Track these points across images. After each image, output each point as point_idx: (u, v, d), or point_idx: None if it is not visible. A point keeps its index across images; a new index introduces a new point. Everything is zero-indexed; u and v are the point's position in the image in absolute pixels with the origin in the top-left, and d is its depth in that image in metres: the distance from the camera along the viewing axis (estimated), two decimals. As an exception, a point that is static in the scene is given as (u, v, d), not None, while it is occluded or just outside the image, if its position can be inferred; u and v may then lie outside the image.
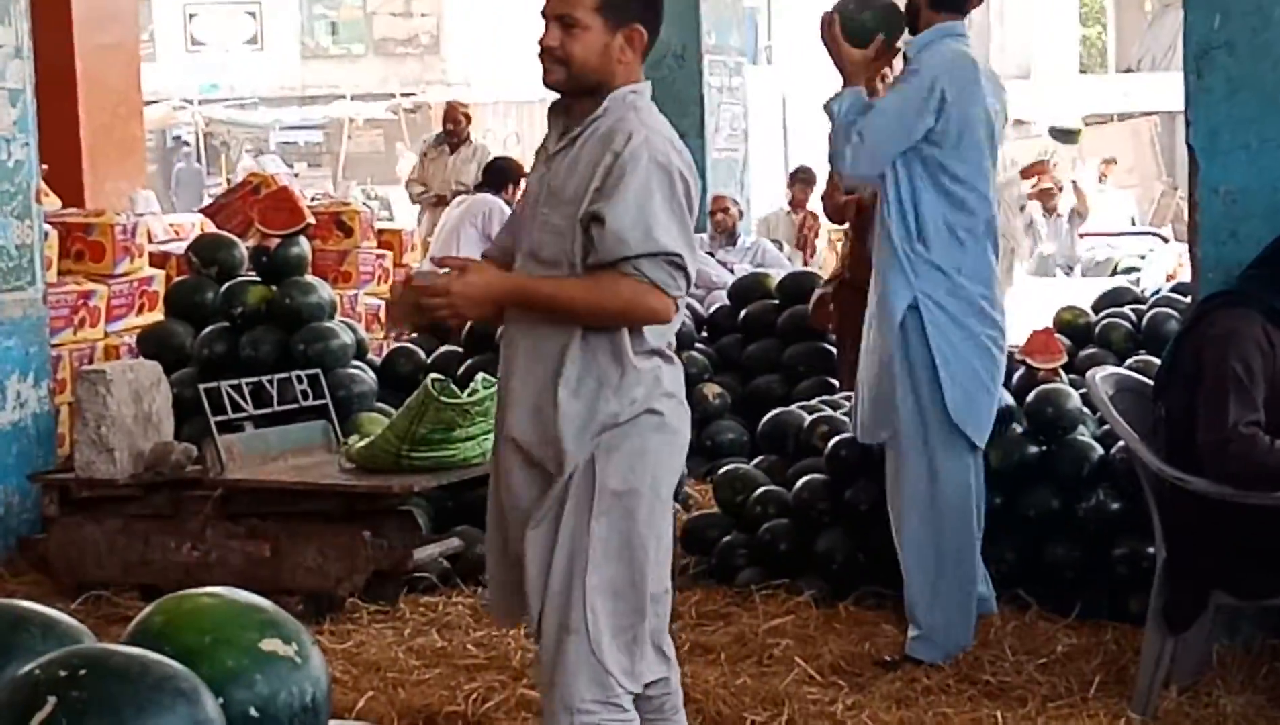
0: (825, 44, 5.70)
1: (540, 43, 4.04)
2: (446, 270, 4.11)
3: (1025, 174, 17.10)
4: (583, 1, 3.97)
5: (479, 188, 12.26)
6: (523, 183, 4.32)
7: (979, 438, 5.68)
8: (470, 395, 6.55)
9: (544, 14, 4.05)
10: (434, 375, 6.98)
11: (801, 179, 15.09)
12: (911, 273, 5.56)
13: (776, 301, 8.76)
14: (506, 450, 4.10)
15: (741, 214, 12.14)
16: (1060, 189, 19.35)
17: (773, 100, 28.10)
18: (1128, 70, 35.61)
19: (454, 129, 15.04)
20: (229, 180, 23.25)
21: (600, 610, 3.90)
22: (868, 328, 5.83)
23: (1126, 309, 7.71)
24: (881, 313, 5.69)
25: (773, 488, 6.69)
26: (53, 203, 8.93)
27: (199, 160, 33.07)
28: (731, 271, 10.55)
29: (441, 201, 14.01)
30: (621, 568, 3.94)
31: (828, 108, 5.65)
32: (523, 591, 4.03)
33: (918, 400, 5.61)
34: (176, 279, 8.63)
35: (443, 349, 8.17)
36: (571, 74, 4.00)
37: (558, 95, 4.14)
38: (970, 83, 5.71)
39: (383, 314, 8.20)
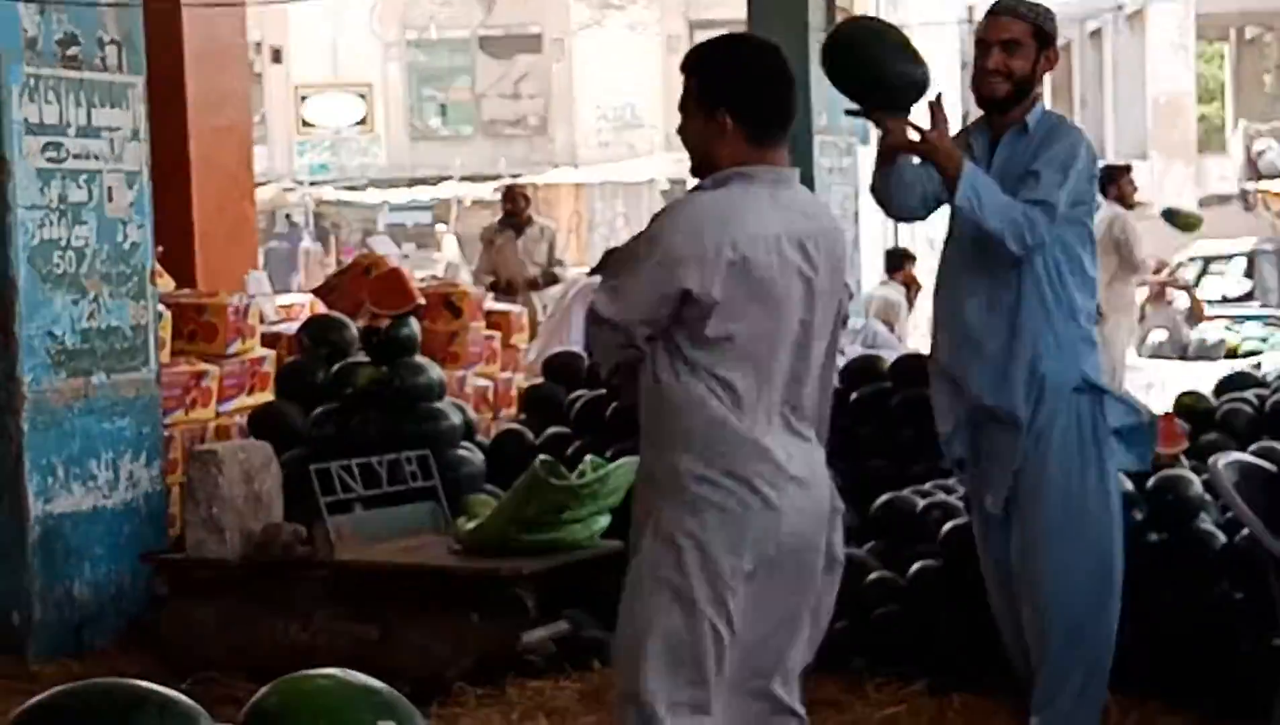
0: (934, 129, 5.56)
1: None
2: None
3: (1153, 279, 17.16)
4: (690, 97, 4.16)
5: (593, 271, 12.25)
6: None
7: None
8: (579, 477, 6.55)
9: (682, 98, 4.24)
10: (542, 457, 6.99)
11: (907, 255, 15.20)
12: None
13: (889, 384, 8.73)
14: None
15: (851, 296, 12.11)
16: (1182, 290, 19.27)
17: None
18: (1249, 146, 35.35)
19: (514, 208, 15.12)
20: (339, 261, 23.46)
21: (662, 687, 4.02)
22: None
23: (1249, 393, 7.62)
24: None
25: (885, 573, 6.65)
26: (166, 284, 9.01)
27: (315, 240, 33.38)
28: (843, 353, 10.52)
29: (513, 287, 14.05)
30: (680, 642, 4.07)
31: (969, 198, 5.36)
32: None
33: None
34: (288, 359, 8.69)
35: (551, 430, 8.18)
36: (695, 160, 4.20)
37: None
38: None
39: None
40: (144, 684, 2.11)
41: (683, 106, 4.20)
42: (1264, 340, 18.67)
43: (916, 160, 5.60)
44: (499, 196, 18.87)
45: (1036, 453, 5.51)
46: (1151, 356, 17.43)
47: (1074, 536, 5.52)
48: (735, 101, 4.11)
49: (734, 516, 3.99)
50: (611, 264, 4.14)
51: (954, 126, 5.85)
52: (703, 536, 3.97)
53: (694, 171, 4.23)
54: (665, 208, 4.22)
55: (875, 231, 17.36)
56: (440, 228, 33.68)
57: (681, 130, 4.25)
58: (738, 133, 4.09)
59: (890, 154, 5.63)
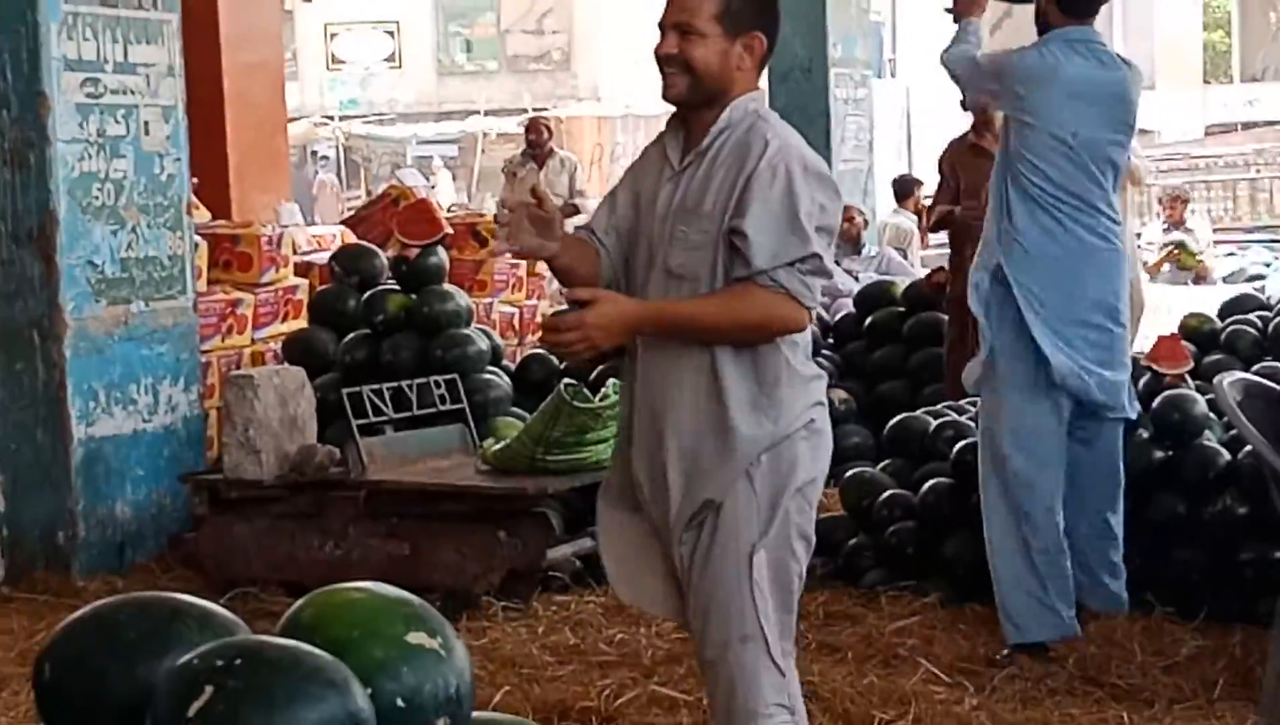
0: None
1: (657, 51, 3.98)
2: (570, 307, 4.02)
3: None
4: (702, 9, 3.91)
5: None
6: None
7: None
8: (602, 399, 6.56)
9: (661, 24, 3.98)
10: (567, 380, 6.99)
11: (916, 182, 15.13)
12: None
13: (902, 309, 8.74)
14: (665, 457, 3.98)
15: (866, 223, 12.12)
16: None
17: (897, 112, 28.04)
18: (1253, 79, 35.19)
19: (536, 140, 15.04)
20: (368, 192, 23.41)
21: (773, 619, 3.90)
22: None
23: (1253, 316, 7.62)
24: None
25: (899, 492, 6.66)
26: (202, 215, 9.03)
27: (339, 174, 33.31)
28: (857, 279, 10.52)
29: None
30: (784, 576, 3.95)
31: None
32: (667, 579, 4.07)
33: None
34: (320, 288, 8.70)
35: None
36: (694, 82, 3.93)
37: (675, 108, 4.08)
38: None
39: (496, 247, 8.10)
40: (184, 597, 2.13)
41: (679, 24, 3.96)
42: (1267, 264, 18.60)
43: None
44: (521, 129, 18.80)
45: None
46: (1163, 281, 17.36)
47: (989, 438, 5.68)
48: (765, 24, 4.02)
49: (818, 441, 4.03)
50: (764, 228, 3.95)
51: None
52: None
53: (687, 99, 4.02)
54: (773, 162, 3.99)
55: (890, 161, 17.32)
56: (436, 162, 33.51)
57: (673, 50, 3.96)
58: (758, 60, 4.03)
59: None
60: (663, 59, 3.97)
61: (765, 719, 3.87)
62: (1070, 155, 5.69)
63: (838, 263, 10.88)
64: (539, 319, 9.74)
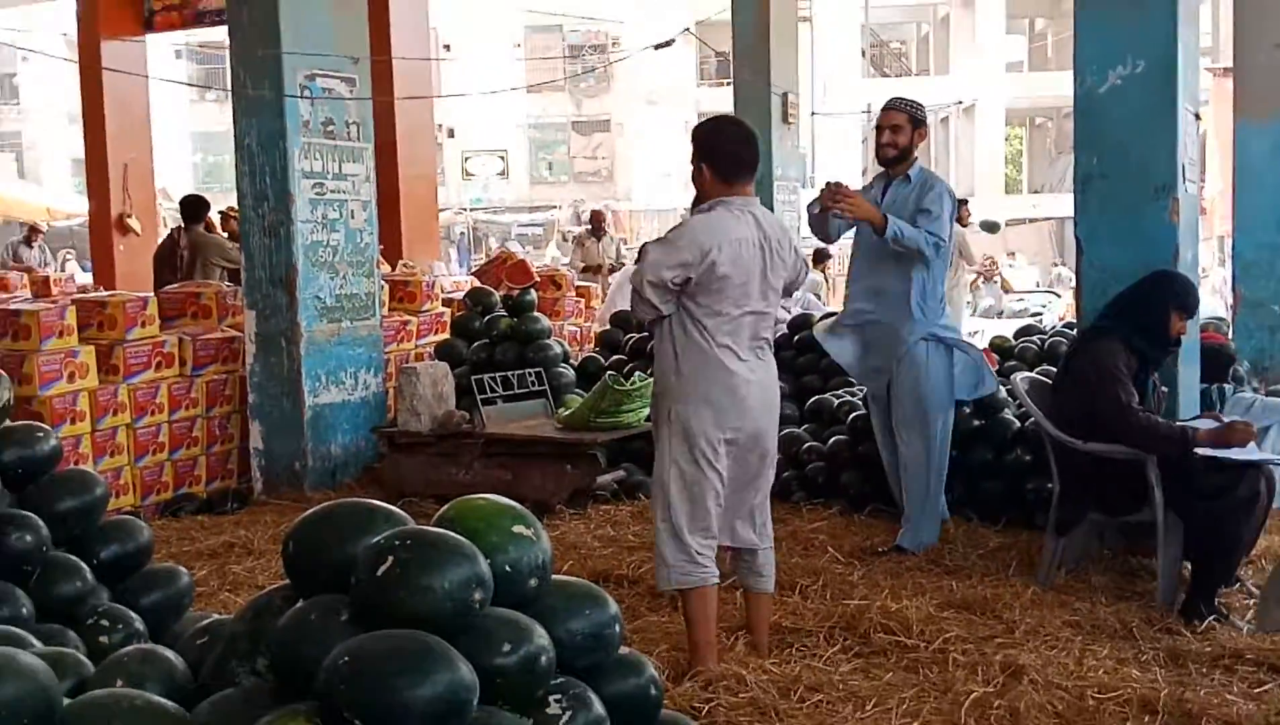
0: (839, 202, 5.39)
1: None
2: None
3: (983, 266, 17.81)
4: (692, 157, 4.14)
5: (637, 260, 12.30)
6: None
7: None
8: (631, 385, 6.58)
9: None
10: (609, 372, 7.02)
11: (825, 254, 15.09)
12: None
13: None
14: None
15: (807, 267, 12.03)
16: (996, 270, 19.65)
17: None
18: (1037, 191, 35.06)
19: (598, 223, 15.32)
20: (487, 254, 23.43)
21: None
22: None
23: (1034, 338, 7.59)
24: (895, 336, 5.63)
25: (814, 443, 6.65)
26: (384, 269, 9.05)
27: (469, 244, 33.41)
28: (789, 312, 10.48)
29: (590, 270, 14.29)
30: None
31: (895, 235, 5.36)
32: None
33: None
34: (457, 314, 8.71)
35: (614, 357, 8.19)
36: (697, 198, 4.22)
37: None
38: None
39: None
40: (374, 502, 2.14)
41: (692, 160, 4.15)
42: (1044, 306, 18.79)
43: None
44: (587, 216, 18.99)
45: (902, 367, 5.56)
46: (980, 316, 17.47)
47: (919, 418, 5.57)
48: (711, 157, 4.07)
49: (714, 407, 4.00)
50: (646, 249, 4.10)
51: (855, 184, 5.85)
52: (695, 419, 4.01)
53: (695, 201, 4.22)
54: (679, 222, 4.23)
55: (809, 238, 17.23)
56: (529, 237, 33.77)
57: (693, 176, 4.19)
58: (715, 177, 4.07)
59: (823, 213, 5.52)
60: (694, 181, 4.20)
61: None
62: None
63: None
64: (592, 334, 9.71)
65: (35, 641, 2.22)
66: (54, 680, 1.80)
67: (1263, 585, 4.71)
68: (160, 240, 11.83)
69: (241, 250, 7.33)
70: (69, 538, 3.12)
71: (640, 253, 4.19)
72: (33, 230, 17.27)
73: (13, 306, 6.95)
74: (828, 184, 5.48)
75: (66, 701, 1.82)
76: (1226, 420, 4.90)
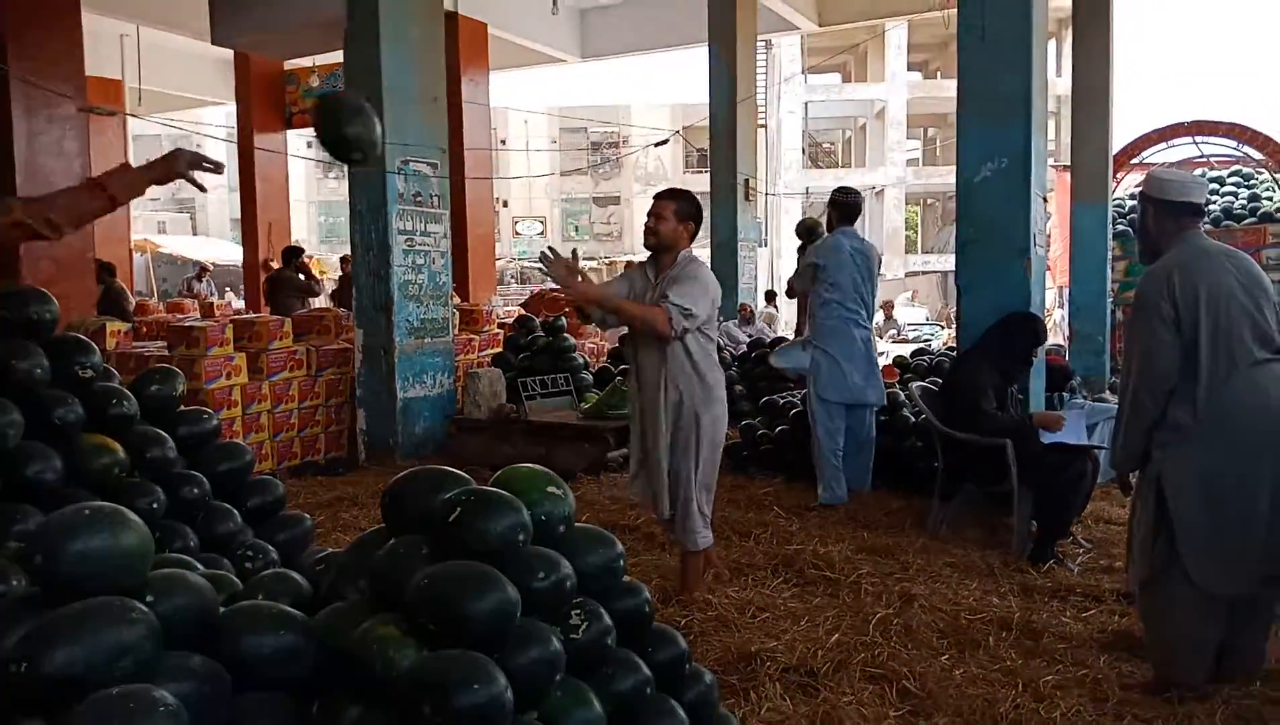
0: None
1: (646, 224, 3.96)
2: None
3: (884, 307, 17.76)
4: (667, 210, 3.93)
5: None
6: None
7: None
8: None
9: (650, 212, 3.99)
10: (618, 377, 7.00)
11: (773, 293, 15.04)
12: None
13: (769, 349, 8.72)
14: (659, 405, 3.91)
15: (752, 312, 12.01)
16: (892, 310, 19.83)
17: (766, 263, 27.93)
18: (929, 251, 35.03)
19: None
20: (530, 291, 23.39)
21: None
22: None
23: (925, 357, 7.57)
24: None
25: (765, 431, 6.61)
26: (456, 300, 9.04)
27: (519, 282, 33.47)
28: (749, 337, 10.46)
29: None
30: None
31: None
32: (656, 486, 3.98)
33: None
34: (508, 334, 8.70)
35: (623, 366, 8.19)
36: (659, 241, 3.94)
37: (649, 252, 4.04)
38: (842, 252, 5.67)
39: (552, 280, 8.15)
40: (447, 468, 2.13)
41: (660, 214, 3.92)
42: (933, 334, 18.74)
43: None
44: (599, 266, 18.84)
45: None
46: (886, 340, 17.46)
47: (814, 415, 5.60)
48: (695, 220, 3.97)
49: (722, 404, 3.95)
50: (678, 293, 3.91)
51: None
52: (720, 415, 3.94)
53: (653, 245, 3.91)
54: (691, 260, 3.94)
55: (763, 282, 17.15)
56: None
57: (662, 225, 3.89)
58: (687, 235, 3.97)
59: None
60: (648, 228, 3.96)
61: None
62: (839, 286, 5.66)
63: (740, 328, 10.86)
64: (606, 348, 9.69)
65: (200, 566, 2.22)
66: (214, 594, 1.79)
67: (1094, 539, 4.68)
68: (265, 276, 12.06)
69: (352, 285, 7.29)
70: (225, 491, 3.11)
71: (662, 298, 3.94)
72: (202, 269, 17.26)
73: (187, 324, 6.95)
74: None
75: (222, 609, 1.81)
76: (1055, 414, 4.90)
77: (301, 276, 10.86)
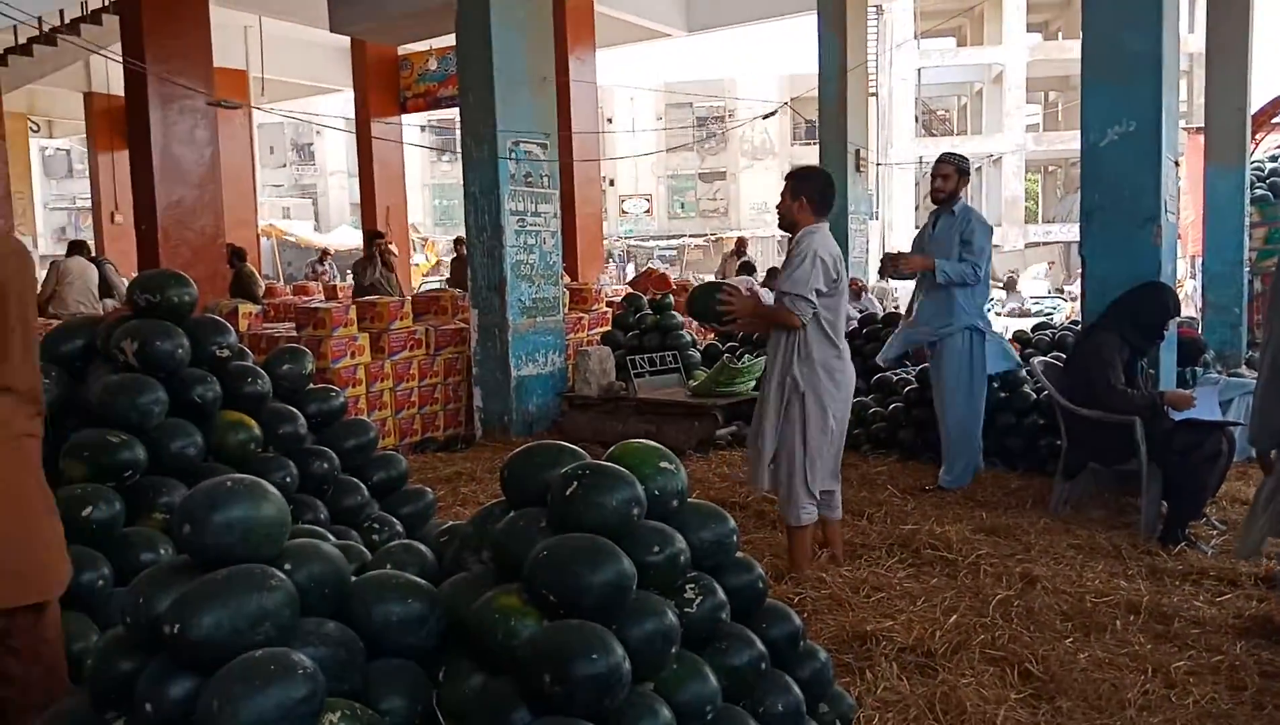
0: (898, 269, 5.37)
1: (778, 207, 3.99)
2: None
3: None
4: (784, 191, 3.96)
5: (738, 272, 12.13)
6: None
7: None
8: (742, 364, 6.53)
9: (781, 193, 3.98)
10: (726, 355, 6.98)
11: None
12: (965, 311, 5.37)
13: (881, 326, 8.54)
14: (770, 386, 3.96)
15: (863, 287, 11.77)
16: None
17: (877, 236, 27.29)
18: (1050, 221, 33.67)
19: (741, 247, 14.86)
20: (637, 270, 23.48)
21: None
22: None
23: (1047, 332, 7.30)
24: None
25: (878, 408, 6.50)
26: (566, 280, 9.13)
27: (626, 263, 33.61)
28: (860, 311, 10.28)
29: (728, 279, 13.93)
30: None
31: (944, 277, 5.27)
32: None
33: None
34: (617, 313, 8.75)
35: (729, 344, 8.15)
36: (782, 216, 3.96)
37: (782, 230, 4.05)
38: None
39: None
40: (564, 443, 2.17)
41: (782, 195, 3.97)
42: (1055, 307, 18.02)
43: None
44: (704, 243, 18.68)
45: (946, 349, 5.39)
46: (1006, 316, 16.89)
47: (961, 388, 5.40)
48: (809, 195, 3.95)
49: (836, 384, 3.92)
50: (786, 281, 3.90)
51: (909, 218, 5.69)
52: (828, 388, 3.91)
53: (781, 226, 4.01)
54: (803, 235, 3.92)
55: (875, 255, 16.82)
56: (668, 257, 33.52)
57: (780, 206, 3.98)
58: (808, 208, 3.96)
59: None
60: (780, 209, 3.98)
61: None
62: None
63: (851, 303, 10.65)
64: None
65: (331, 537, 2.32)
66: (345, 563, 1.87)
67: (1229, 521, 4.47)
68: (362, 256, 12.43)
69: (467, 266, 7.42)
70: (352, 466, 3.23)
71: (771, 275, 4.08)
72: (324, 253, 17.91)
73: (314, 306, 7.22)
74: (885, 255, 5.42)
75: (354, 578, 1.89)
76: (1185, 393, 4.67)
77: (378, 258, 11.04)
